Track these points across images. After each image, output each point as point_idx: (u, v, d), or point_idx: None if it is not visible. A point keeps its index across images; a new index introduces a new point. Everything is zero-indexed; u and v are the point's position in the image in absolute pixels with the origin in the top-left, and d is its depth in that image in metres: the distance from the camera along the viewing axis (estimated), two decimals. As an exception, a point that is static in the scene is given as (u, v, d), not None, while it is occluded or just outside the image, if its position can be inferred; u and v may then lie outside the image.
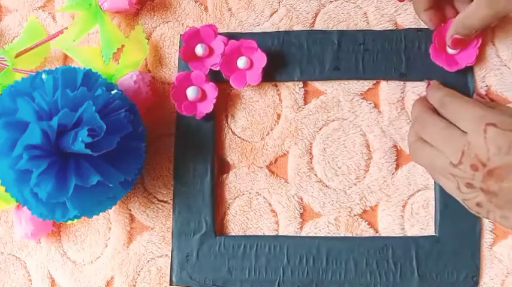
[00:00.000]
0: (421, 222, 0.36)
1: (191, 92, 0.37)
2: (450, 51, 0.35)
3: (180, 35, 0.37)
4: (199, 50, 0.37)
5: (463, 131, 0.29)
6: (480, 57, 0.36)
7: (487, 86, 0.36)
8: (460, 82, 0.36)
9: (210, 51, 0.37)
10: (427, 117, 0.32)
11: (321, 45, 0.38)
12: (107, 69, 0.37)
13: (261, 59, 0.36)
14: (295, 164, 0.37)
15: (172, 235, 0.37)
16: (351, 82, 0.38)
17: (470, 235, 0.35)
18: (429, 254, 0.35)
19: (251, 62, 0.37)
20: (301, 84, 0.38)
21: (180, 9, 0.39)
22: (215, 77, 0.38)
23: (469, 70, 0.36)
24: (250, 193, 0.38)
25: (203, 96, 0.37)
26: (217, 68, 0.37)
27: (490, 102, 0.35)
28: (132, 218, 0.38)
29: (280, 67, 0.38)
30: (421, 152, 0.31)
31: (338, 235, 0.36)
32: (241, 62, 0.37)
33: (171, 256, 0.37)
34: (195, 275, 0.36)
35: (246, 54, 0.37)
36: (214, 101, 0.37)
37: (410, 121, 0.37)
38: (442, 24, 0.35)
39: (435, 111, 0.32)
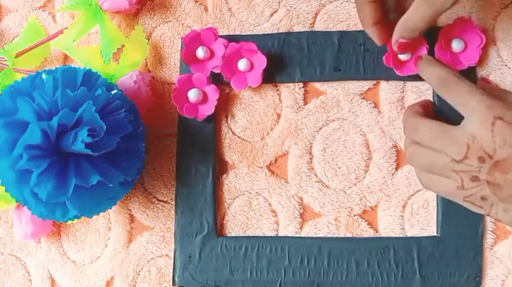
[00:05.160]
0: (421, 222, 0.36)
1: (192, 95, 0.37)
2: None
3: (182, 38, 0.37)
4: (200, 53, 0.37)
5: (455, 124, 0.29)
6: (483, 58, 0.36)
7: (488, 86, 0.36)
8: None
9: (211, 54, 0.37)
10: (416, 121, 0.31)
11: (321, 46, 0.38)
12: (107, 69, 0.37)
13: (261, 61, 0.37)
14: (295, 164, 0.37)
15: (174, 236, 0.37)
16: (351, 82, 0.38)
17: (473, 236, 0.35)
18: (431, 254, 0.35)
19: (251, 64, 0.37)
20: (301, 84, 0.38)
21: (180, 9, 0.39)
22: (216, 79, 0.38)
23: (471, 70, 0.36)
24: (250, 193, 0.38)
25: (204, 98, 0.37)
26: (218, 71, 0.37)
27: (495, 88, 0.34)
28: (132, 218, 0.38)
29: (280, 68, 0.38)
30: (417, 155, 0.31)
31: (339, 236, 0.36)
32: (242, 64, 0.37)
33: (174, 257, 0.37)
34: (197, 275, 0.36)
35: (247, 56, 0.37)
36: (215, 103, 0.37)
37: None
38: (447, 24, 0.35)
39: (422, 114, 0.32)
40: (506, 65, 0.36)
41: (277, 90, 0.38)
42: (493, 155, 0.28)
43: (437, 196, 0.36)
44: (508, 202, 0.28)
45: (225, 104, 0.38)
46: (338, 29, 0.38)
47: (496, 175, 0.28)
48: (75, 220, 0.33)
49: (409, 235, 0.36)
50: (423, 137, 0.30)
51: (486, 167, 0.28)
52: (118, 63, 0.38)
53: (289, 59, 0.38)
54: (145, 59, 0.39)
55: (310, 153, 0.37)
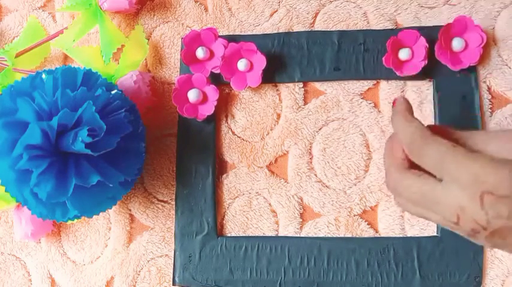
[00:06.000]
0: (421, 222, 0.36)
1: (192, 95, 0.37)
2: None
3: (182, 39, 0.37)
4: (200, 53, 0.37)
5: (441, 182, 0.26)
6: (483, 57, 0.36)
7: (488, 86, 0.36)
8: (463, 81, 0.36)
9: (211, 54, 0.37)
10: (397, 181, 0.27)
11: (321, 46, 0.38)
12: (107, 69, 0.37)
13: (260, 61, 0.37)
14: (295, 164, 0.37)
15: (174, 236, 0.37)
16: (351, 82, 0.38)
17: (472, 236, 0.35)
18: (431, 254, 0.35)
19: (251, 64, 0.37)
20: (301, 84, 0.38)
21: (180, 9, 0.39)
22: (216, 79, 0.38)
23: (472, 69, 0.36)
24: (250, 193, 0.38)
25: (204, 98, 0.37)
26: (218, 71, 0.37)
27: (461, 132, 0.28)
28: (132, 218, 0.38)
29: (280, 68, 0.38)
30: (407, 208, 0.28)
31: (339, 236, 0.36)
32: (242, 65, 0.37)
33: (174, 257, 0.37)
34: (197, 275, 0.36)
35: (246, 56, 0.37)
36: (215, 103, 0.37)
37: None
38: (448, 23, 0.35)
39: (405, 165, 0.28)
40: (506, 65, 0.36)
41: (277, 90, 0.38)
42: (487, 226, 0.24)
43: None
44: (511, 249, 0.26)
45: (225, 104, 0.38)
46: (338, 29, 0.38)
47: (495, 240, 0.25)
48: (75, 220, 0.33)
49: (409, 235, 0.36)
50: (409, 198, 0.27)
51: (482, 235, 0.25)
52: (118, 63, 0.38)
53: (289, 59, 0.38)
54: (145, 59, 0.39)
55: (310, 153, 0.37)
